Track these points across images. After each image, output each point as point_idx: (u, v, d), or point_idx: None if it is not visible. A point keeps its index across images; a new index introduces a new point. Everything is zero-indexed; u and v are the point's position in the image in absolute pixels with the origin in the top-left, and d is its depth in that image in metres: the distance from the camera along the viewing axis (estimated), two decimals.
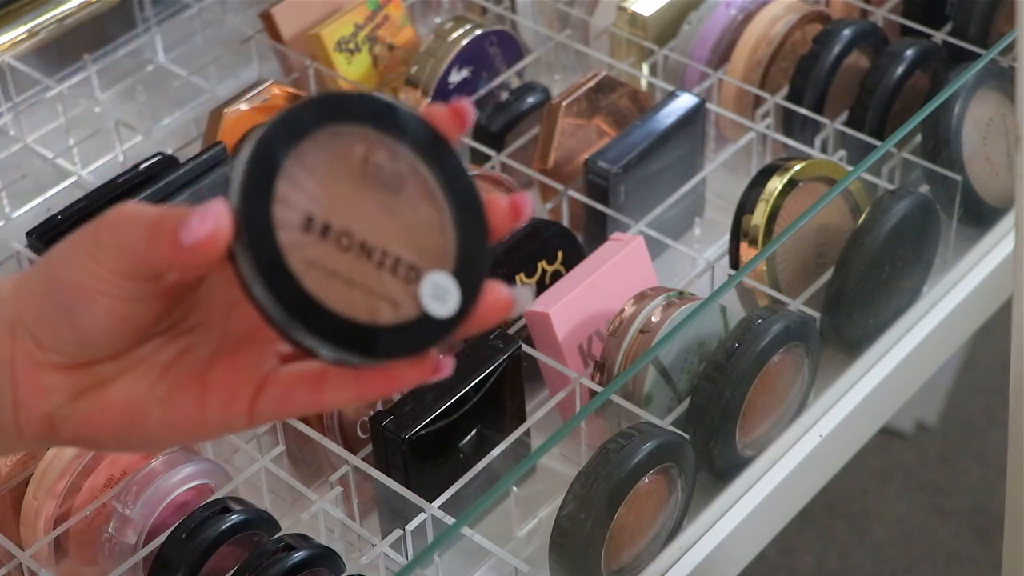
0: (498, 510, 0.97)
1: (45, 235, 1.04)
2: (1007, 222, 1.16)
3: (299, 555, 0.85)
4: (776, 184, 1.06)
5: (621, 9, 1.24)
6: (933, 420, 2.08)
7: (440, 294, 0.57)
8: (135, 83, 1.27)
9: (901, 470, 2.03)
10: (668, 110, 1.13)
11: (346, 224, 0.56)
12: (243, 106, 1.15)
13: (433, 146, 0.58)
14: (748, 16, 1.21)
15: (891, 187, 1.10)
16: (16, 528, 0.92)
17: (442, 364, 0.59)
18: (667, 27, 1.24)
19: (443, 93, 1.20)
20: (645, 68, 1.23)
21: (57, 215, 1.05)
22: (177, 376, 0.61)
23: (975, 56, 1.20)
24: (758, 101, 1.19)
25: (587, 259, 1.04)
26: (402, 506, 0.91)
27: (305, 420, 0.96)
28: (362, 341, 0.55)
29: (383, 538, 0.92)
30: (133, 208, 0.61)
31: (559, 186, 1.11)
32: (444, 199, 0.57)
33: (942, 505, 1.99)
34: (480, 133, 1.17)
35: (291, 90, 1.17)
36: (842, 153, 1.15)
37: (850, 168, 1.11)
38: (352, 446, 0.96)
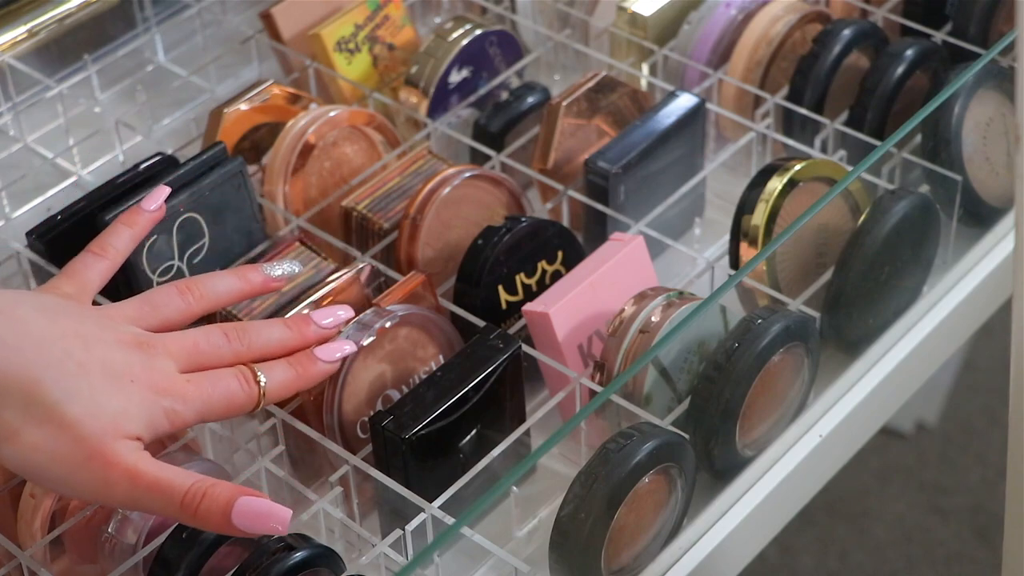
0: (498, 510, 0.97)
1: (45, 235, 1.04)
2: (1007, 222, 1.16)
3: (299, 555, 0.86)
4: (776, 184, 1.06)
5: (621, 9, 1.24)
6: (933, 420, 2.08)
7: None
8: (135, 83, 1.27)
9: (901, 470, 2.03)
10: (668, 110, 1.13)
11: None
12: (243, 106, 1.15)
13: None
14: (748, 16, 1.21)
15: (891, 187, 1.10)
16: (15, 527, 0.92)
17: None
18: (667, 27, 1.24)
19: (443, 93, 1.20)
20: (645, 68, 1.23)
21: (57, 215, 1.05)
22: None
23: (975, 56, 1.20)
24: (758, 101, 1.20)
25: (587, 259, 1.04)
26: (402, 506, 0.91)
27: (305, 420, 0.96)
28: None
29: (383, 538, 0.92)
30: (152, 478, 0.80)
31: (559, 186, 1.11)
32: None
33: (942, 505, 1.99)
34: (480, 133, 1.17)
35: (291, 90, 1.17)
36: (842, 153, 1.15)
37: (850, 168, 1.11)
38: (352, 446, 0.96)
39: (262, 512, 0.80)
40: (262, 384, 0.87)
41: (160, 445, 0.94)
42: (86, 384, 0.80)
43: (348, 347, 0.92)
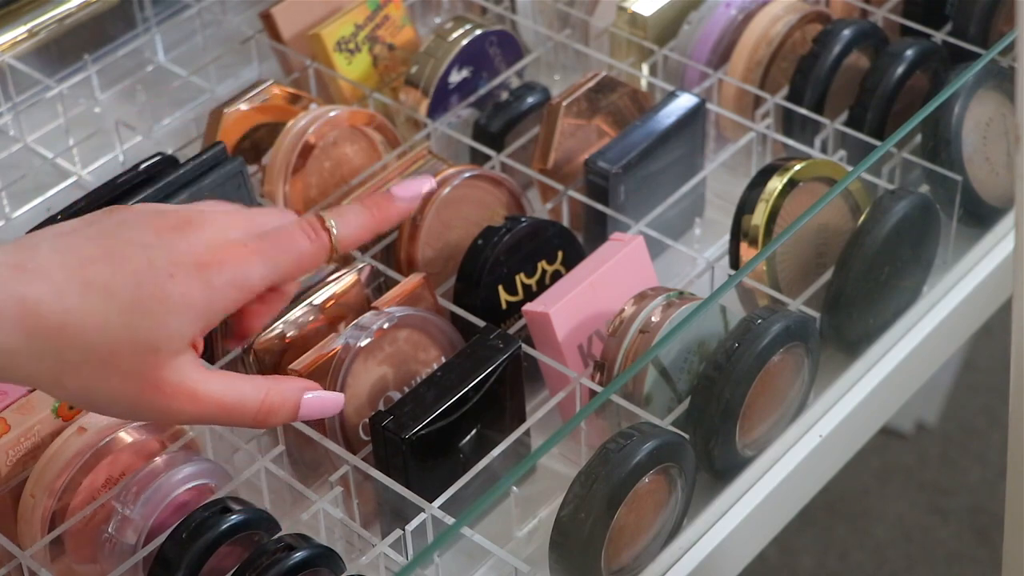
0: (498, 510, 0.97)
1: None
2: (1007, 222, 1.16)
3: (299, 555, 0.86)
4: (776, 184, 1.06)
5: (621, 9, 1.24)
6: (933, 420, 2.08)
7: None
8: (135, 83, 1.27)
9: (901, 470, 2.03)
10: (668, 110, 1.13)
11: None
12: (243, 106, 1.15)
13: None
14: (748, 16, 1.22)
15: (891, 187, 1.10)
16: (15, 527, 0.92)
17: None
18: (667, 27, 1.24)
19: (443, 93, 1.20)
20: (645, 68, 1.23)
21: (57, 215, 1.05)
22: None
23: (975, 56, 1.20)
24: (758, 101, 1.20)
25: (587, 259, 1.04)
26: (402, 506, 0.91)
27: (306, 421, 0.96)
28: None
29: (383, 538, 0.92)
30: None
31: (559, 186, 1.11)
32: None
33: (942, 505, 1.99)
34: (480, 133, 1.17)
35: (291, 90, 1.17)
36: (842, 153, 1.15)
37: (850, 168, 1.11)
38: (353, 447, 0.96)
39: (323, 406, 0.84)
40: (333, 231, 0.81)
41: (160, 446, 0.94)
42: (115, 308, 0.74)
43: (427, 185, 0.86)
